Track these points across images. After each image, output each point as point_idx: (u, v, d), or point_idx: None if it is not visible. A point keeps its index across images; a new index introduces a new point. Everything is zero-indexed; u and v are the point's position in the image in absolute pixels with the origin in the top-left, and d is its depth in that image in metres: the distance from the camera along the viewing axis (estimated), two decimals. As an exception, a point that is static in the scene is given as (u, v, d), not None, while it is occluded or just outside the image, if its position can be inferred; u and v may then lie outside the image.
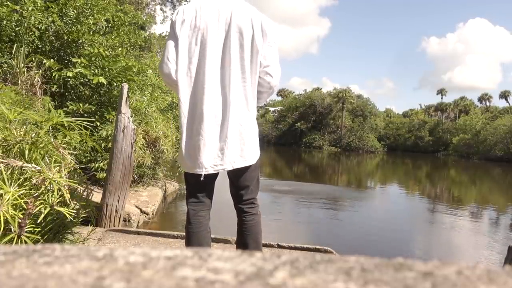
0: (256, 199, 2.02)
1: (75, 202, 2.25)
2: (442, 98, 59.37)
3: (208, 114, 1.81)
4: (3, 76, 5.14)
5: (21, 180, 2.01)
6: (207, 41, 1.81)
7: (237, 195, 1.99)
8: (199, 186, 1.93)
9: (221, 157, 1.83)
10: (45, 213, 1.98)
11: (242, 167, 1.89)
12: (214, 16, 1.83)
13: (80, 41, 5.82)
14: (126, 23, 6.94)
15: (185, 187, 2.05)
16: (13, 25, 5.34)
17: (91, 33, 6.01)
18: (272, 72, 1.88)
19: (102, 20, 6.24)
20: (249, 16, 1.84)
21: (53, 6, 5.81)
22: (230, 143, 1.83)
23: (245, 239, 1.98)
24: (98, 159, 4.97)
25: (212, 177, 1.92)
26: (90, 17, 5.94)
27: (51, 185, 2.04)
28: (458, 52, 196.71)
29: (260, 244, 2.03)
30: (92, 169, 4.82)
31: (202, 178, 1.84)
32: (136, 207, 4.91)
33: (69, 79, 5.35)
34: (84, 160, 4.75)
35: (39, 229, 1.99)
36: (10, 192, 1.89)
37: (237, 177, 1.95)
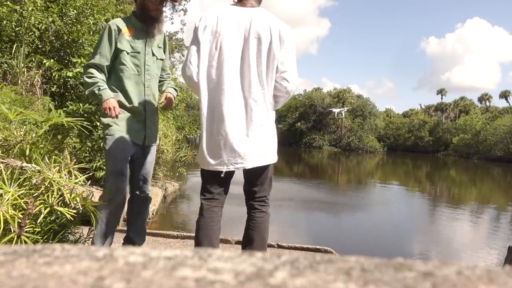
0: (268, 198, 2.09)
1: (75, 202, 2.25)
2: (442, 98, 59.39)
3: (229, 115, 1.89)
4: (2, 76, 5.14)
5: (21, 180, 2.01)
6: (226, 46, 1.90)
7: (250, 192, 2.06)
8: (216, 183, 2.02)
9: (242, 156, 1.91)
10: (45, 213, 1.98)
11: (261, 165, 1.97)
12: (234, 22, 1.92)
13: (80, 41, 5.81)
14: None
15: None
16: (13, 25, 5.33)
17: (91, 33, 6.00)
18: (289, 77, 1.96)
19: (102, 20, 6.24)
20: (267, 23, 1.93)
21: (53, 6, 5.81)
22: (252, 142, 1.92)
23: (252, 235, 2.03)
24: (98, 158, 4.97)
25: (230, 175, 2.02)
26: (90, 17, 5.94)
27: (51, 185, 2.04)
28: (457, 52, 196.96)
29: (265, 243, 2.08)
30: (92, 169, 4.82)
31: (222, 175, 1.94)
32: (136, 207, 4.90)
33: (69, 79, 5.35)
34: (83, 160, 4.75)
35: (39, 229, 1.99)
36: (10, 192, 1.89)
37: (253, 174, 2.02)
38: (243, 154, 1.91)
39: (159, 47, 2.49)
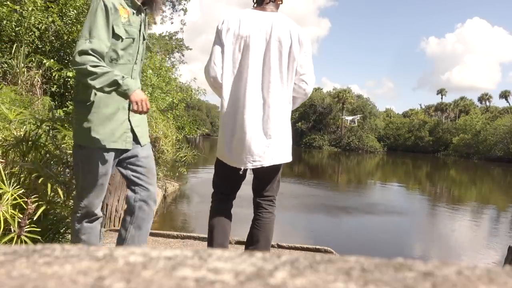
0: (275, 198, 2.15)
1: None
2: (442, 98, 59.36)
3: (249, 114, 1.96)
4: (2, 76, 5.14)
5: (21, 180, 2.01)
6: (249, 48, 1.99)
7: (259, 189, 2.13)
8: (230, 179, 2.12)
9: (261, 154, 1.99)
10: (45, 213, 1.98)
11: (276, 164, 2.05)
12: (256, 26, 2.01)
13: (80, 41, 5.81)
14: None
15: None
16: (13, 25, 5.34)
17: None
18: (308, 80, 2.06)
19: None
20: (287, 27, 2.02)
21: (53, 6, 5.81)
22: (270, 141, 1.99)
23: (258, 235, 2.07)
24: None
25: (245, 173, 2.09)
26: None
27: (51, 185, 2.04)
28: (457, 52, 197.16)
29: (269, 243, 2.13)
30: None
31: (241, 172, 2.03)
32: (136, 207, 4.90)
33: (69, 79, 5.35)
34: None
35: (39, 229, 1.99)
36: (9, 192, 1.89)
37: (266, 172, 2.08)
38: (262, 153, 1.99)
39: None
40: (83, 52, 1.76)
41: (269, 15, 2.04)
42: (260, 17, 2.03)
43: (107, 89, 1.78)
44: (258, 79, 1.99)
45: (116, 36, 1.86)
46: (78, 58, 1.77)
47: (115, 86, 1.75)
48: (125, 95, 1.77)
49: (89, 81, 1.76)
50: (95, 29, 1.79)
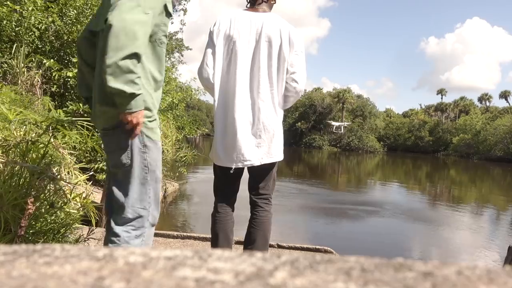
0: (271, 197, 2.17)
1: (75, 202, 2.25)
2: (442, 98, 59.34)
3: (238, 114, 2.00)
4: (2, 76, 5.14)
5: (21, 180, 2.01)
6: (238, 49, 2.02)
7: (254, 188, 2.14)
8: (227, 180, 2.14)
9: (250, 154, 2.02)
10: (45, 213, 1.98)
11: (267, 163, 2.07)
12: (246, 26, 2.04)
13: (80, 41, 5.81)
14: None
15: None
16: (13, 25, 5.34)
17: (91, 33, 5.98)
18: (298, 79, 2.07)
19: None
20: (278, 27, 2.04)
21: (53, 6, 5.81)
22: (260, 141, 2.03)
23: (255, 234, 2.08)
24: (98, 159, 4.96)
25: (240, 172, 2.13)
26: (90, 17, 5.94)
27: (51, 185, 2.05)
28: (457, 52, 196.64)
29: (267, 242, 2.14)
30: (92, 170, 4.81)
31: (232, 171, 2.04)
32: (136, 207, 4.89)
33: (69, 79, 5.35)
34: (84, 160, 4.75)
35: (39, 229, 1.99)
36: (10, 192, 1.89)
37: (259, 172, 2.11)
38: (251, 152, 2.01)
39: None
40: (138, 33, 1.29)
41: (260, 16, 2.06)
42: (251, 17, 2.06)
43: (126, 98, 1.33)
44: (247, 80, 2.02)
45: (169, 15, 1.46)
46: (129, 19, 1.26)
47: (131, 97, 1.33)
48: (131, 108, 1.36)
49: (114, 80, 1.30)
50: (151, 0, 1.36)
